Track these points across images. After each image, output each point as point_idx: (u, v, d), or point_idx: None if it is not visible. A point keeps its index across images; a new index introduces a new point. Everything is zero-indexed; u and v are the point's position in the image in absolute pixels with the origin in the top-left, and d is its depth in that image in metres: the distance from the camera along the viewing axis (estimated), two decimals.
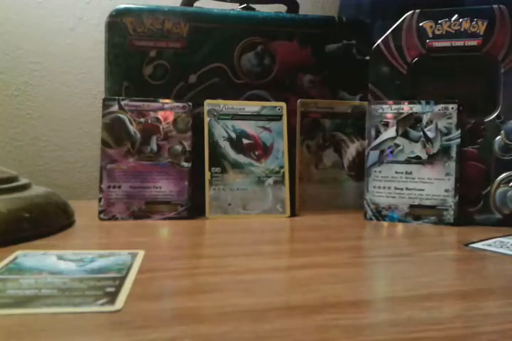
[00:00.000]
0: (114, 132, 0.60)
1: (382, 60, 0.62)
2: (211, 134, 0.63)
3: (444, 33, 0.60)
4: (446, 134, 0.59)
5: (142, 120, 0.61)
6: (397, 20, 0.62)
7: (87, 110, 0.82)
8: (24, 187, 0.54)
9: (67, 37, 0.81)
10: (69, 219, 0.57)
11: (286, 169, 0.64)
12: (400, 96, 0.61)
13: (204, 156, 0.62)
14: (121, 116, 0.61)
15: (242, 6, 0.70)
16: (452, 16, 0.59)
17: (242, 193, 0.62)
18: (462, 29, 0.59)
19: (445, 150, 0.59)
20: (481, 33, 0.59)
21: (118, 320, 0.30)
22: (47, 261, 0.41)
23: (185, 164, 0.61)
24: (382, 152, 0.61)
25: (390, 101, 0.61)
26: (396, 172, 0.61)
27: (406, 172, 0.60)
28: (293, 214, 0.63)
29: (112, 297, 0.33)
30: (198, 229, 0.57)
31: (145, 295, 0.34)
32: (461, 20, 0.59)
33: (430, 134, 0.60)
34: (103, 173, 0.60)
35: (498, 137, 0.58)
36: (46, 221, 0.52)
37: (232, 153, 0.63)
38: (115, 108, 0.61)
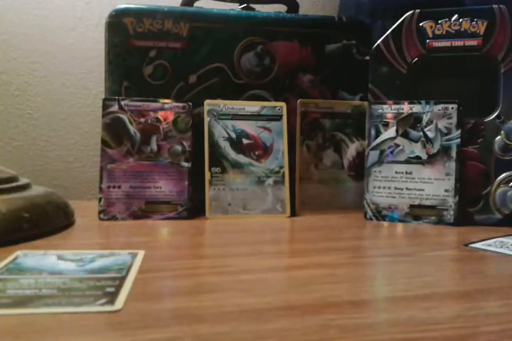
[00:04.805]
0: (114, 132, 0.60)
1: (382, 60, 0.62)
2: (211, 134, 0.63)
3: (444, 33, 0.60)
4: (446, 134, 0.59)
5: (142, 120, 0.61)
6: (397, 20, 0.62)
7: (87, 110, 0.82)
8: (24, 187, 0.54)
9: (67, 37, 0.81)
10: (69, 219, 0.57)
11: (286, 169, 0.64)
12: (400, 96, 0.61)
13: (204, 156, 0.62)
14: (121, 116, 0.61)
15: (242, 6, 0.70)
16: (452, 16, 0.60)
17: (242, 193, 0.62)
18: (462, 29, 0.59)
19: (445, 150, 0.59)
20: (481, 33, 0.59)
21: (118, 320, 0.30)
22: (47, 261, 0.41)
23: (185, 164, 0.61)
24: (382, 152, 0.61)
25: (390, 101, 0.61)
26: (396, 172, 0.61)
27: (406, 172, 0.60)
28: (293, 214, 0.63)
29: (112, 297, 0.33)
30: (198, 229, 0.57)
31: (145, 295, 0.34)
32: (461, 20, 0.59)
33: (430, 134, 0.60)
34: (103, 173, 0.60)
35: (498, 137, 0.58)
36: (46, 221, 0.52)
37: (232, 153, 0.63)
38: (115, 108, 0.61)
